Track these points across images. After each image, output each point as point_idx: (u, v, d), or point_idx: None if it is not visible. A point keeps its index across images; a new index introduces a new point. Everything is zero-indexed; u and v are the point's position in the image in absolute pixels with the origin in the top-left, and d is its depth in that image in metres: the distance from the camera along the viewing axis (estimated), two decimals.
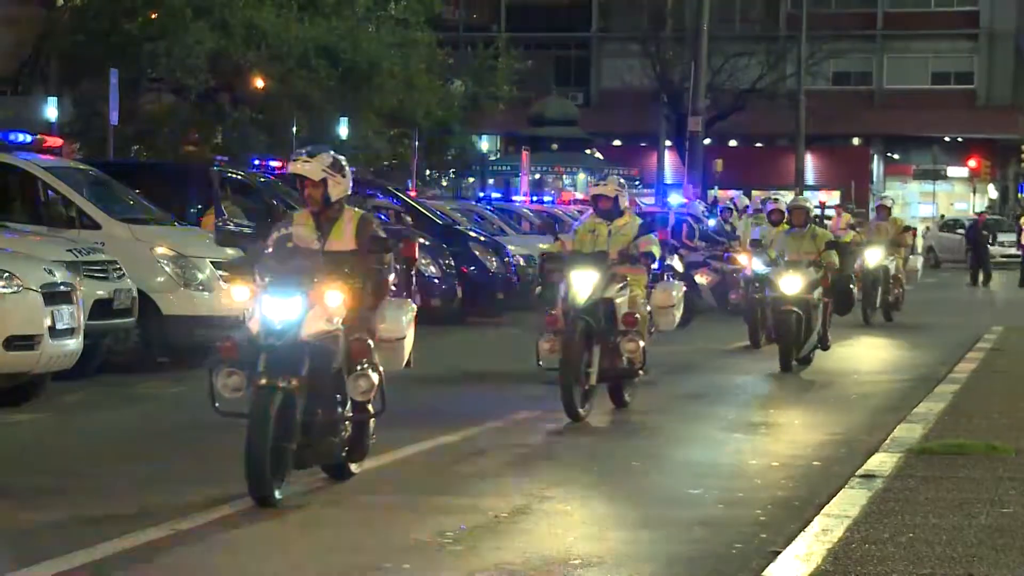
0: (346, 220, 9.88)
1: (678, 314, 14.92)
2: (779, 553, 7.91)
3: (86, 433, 12.64)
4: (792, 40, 56.73)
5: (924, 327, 24.90)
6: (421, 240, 23.40)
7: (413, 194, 30.88)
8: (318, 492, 9.79)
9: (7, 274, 13.12)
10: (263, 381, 9.12)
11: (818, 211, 30.03)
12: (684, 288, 15.81)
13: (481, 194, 39.39)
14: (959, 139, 68.30)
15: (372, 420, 9.90)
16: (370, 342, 9.65)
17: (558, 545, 8.45)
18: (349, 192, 9.90)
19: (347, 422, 9.69)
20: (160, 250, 16.69)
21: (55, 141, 19.44)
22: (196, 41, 35.54)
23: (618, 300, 13.55)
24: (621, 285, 13.62)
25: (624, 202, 13.99)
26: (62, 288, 13.58)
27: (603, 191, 13.94)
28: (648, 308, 14.06)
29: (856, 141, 69.10)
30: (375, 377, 9.52)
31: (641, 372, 13.82)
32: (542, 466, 11.21)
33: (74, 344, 13.70)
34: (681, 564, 8.10)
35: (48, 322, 13.27)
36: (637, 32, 58.03)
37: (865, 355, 20.76)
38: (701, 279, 24.77)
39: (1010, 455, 11.02)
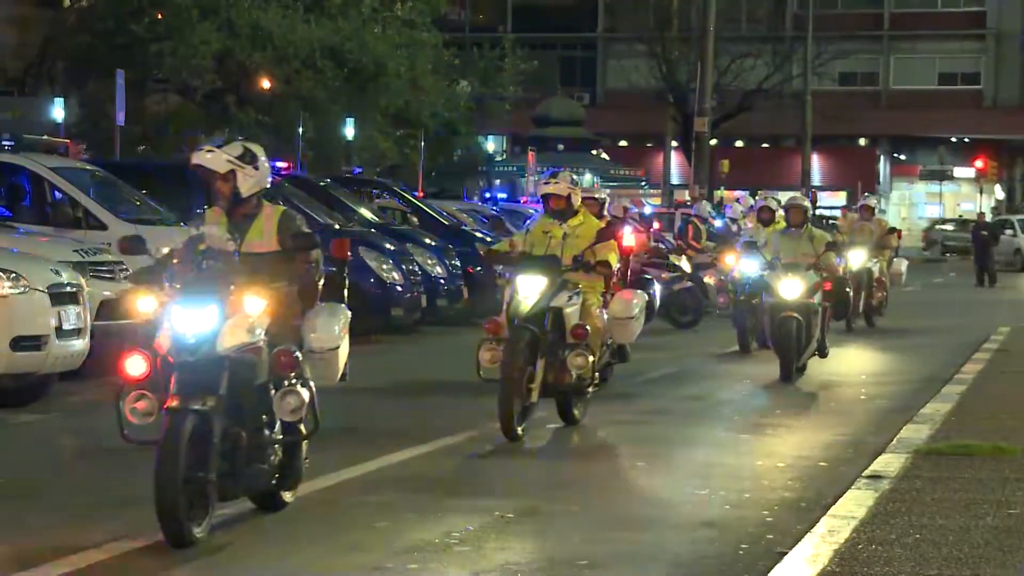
0: (265, 217, 8.90)
1: (637, 326, 13.38)
2: (785, 554, 7.91)
3: (93, 434, 12.64)
4: (798, 40, 56.73)
5: (930, 328, 24.88)
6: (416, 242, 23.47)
7: (420, 195, 30.91)
8: (321, 492, 9.79)
9: (14, 275, 13.13)
10: (175, 403, 8.11)
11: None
12: (647, 297, 14.18)
13: (487, 195, 39.39)
14: (966, 139, 68.29)
15: (304, 442, 8.91)
16: (298, 354, 8.69)
17: (564, 546, 8.44)
18: (266, 186, 8.92)
19: (275, 445, 8.71)
20: (166, 250, 16.66)
21: (61, 141, 19.44)
22: (202, 42, 35.56)
23: (568, 310, 12.30)
24: (571, 294, 12.38)
25: (576, 200, 12.72)
26: (69, 289, 13.59)
27: (554, 189, 12.59)
28: (605, 318, 12.81)
29: (862, 142, 69.10)
30: (305, 393, 8.57)
31: (591, 388, 12.61)
32: (548, 467, 11.21)
33: (81, 345, 13.71)
34: (687, 565, 8.10)
35: (55, 323, 13.28)
36: (643, 32, 58.01)
37: (871, 356, 20.73)
38: (710, 280, 24.68)
39: (1017, 456, 11.00)
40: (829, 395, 16.17)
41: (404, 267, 21.00)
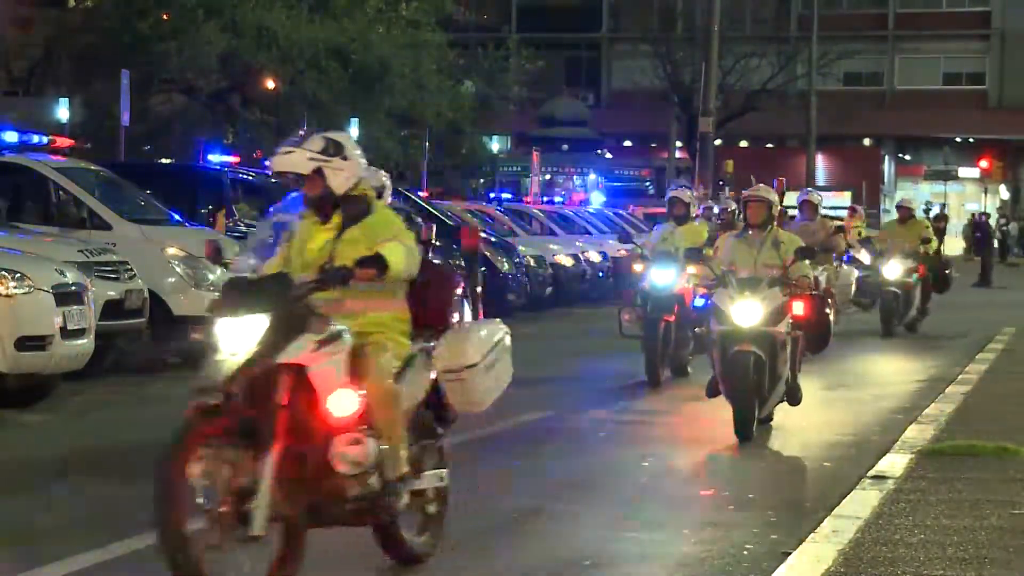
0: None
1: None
2: (790, 554, 7.91)
3: (97, 434, 12.65)
4: (803, 41, 56.68)
5: (934, 328, 24.85)
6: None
7: (424, 195, 30.92)
8: None
9: (18, 275, 13.15)
10: None
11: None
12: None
13: (492, 195, 39.40)
14: (970, 140, 68.24)
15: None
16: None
17: (569, 546, 8.44)
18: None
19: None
20: (171, 251, 16.72)
21: (66, 142, 19.47)
22: (207, 42, 35.59)
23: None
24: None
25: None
26: (73, 289, 13.60)
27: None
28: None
29: (867, 142, 69.06)
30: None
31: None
32: (552, 467, 11.21)
33: (85, 344, 13.73)
34: (692, 565, 8.10)
35: (59, 323, 13.30)
36: (648, 33, 58.01)
37: (875, 356, 20.71)
38: None
39: (1021, 456, 11.00)
40: (833, 396, 16.15)
41: None
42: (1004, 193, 70.28)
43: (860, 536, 8.25)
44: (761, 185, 13.47)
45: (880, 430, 12.96)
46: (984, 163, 67.48)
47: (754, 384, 12.14)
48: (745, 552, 8.33)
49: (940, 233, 29.24)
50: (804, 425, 13.83)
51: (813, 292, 13.20)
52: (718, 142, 44.58)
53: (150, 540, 8.19)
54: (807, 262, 12.86)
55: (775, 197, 13.07)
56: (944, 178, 67.58)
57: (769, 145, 65.52)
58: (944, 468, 10.53)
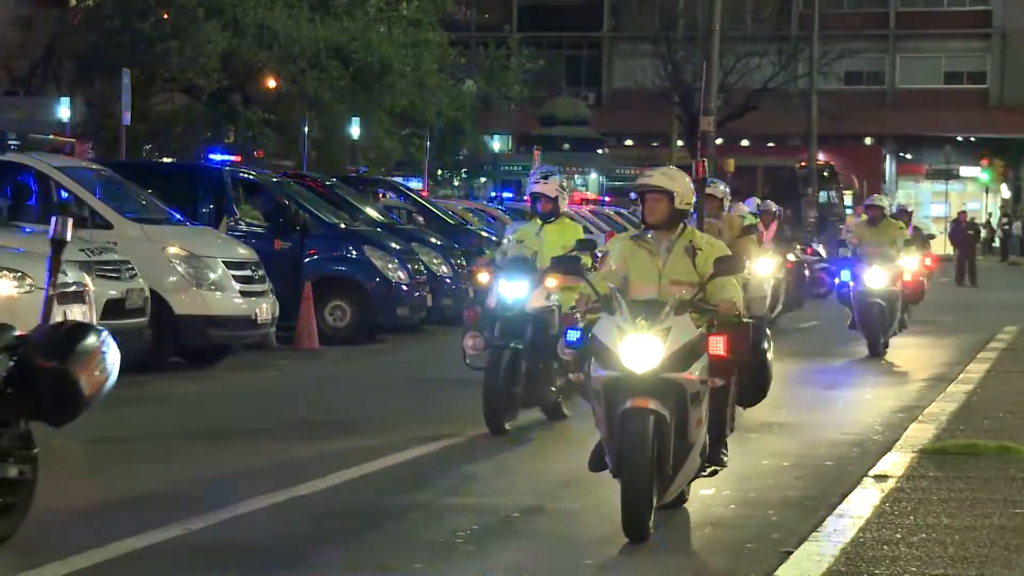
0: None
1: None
2: (791, 553, 7.91)
3: (97, 433, 12.64)
4: (804, 40, 56.62)
5: (937, 327, 24.85)
6: (433, 240, 23.49)
7: (425, 194, 30.91)
8: (326, 492, 9.80)
9: (19, 274, 13.15)
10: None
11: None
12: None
13: (493, 194, 39.40)
14: (972, 139, 68.21)
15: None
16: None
17: (568, 545, 8.44)
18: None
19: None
20: (172, 250, 16.72)
21: (67, 141, 19.46)
22: (208, 41, 35.56)
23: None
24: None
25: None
26: (75, 288, 13.60)
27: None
28: None
29: (868, 141, 69.03)
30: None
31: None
32: (553, 466, 11.21)
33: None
34: (693, 564, 8.09)
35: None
36: (649, 32, 57.94)
37: (877, 356, 20.70)
38: None
39: (1022, 455, 10.99)
40: (835, 394, 16.15)
41: (409, 266, 21.01)
42: (1005, 192, 70.23)
43: (862, 535, 8.24)
44: (663, 168, 9.21)
45: (882, 429, 12.97)
46: (985, 169, 67.47)
47: (652, 458, 8.36)
48: (746, 551, 8.33)
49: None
50: (805, 424, 13.83)
51: (745, 320, 9.02)
52: (719, 141, 44.50)
53: (149, 540, 8.22)
54: (733, 282, 9.00)
55: (682, 185, 9.00)
56: (945, 177, 67.52)
57: (770, 144, 65.48)
58: (946, 467, 10.53)
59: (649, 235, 9.03)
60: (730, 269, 8.84)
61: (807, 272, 30.17)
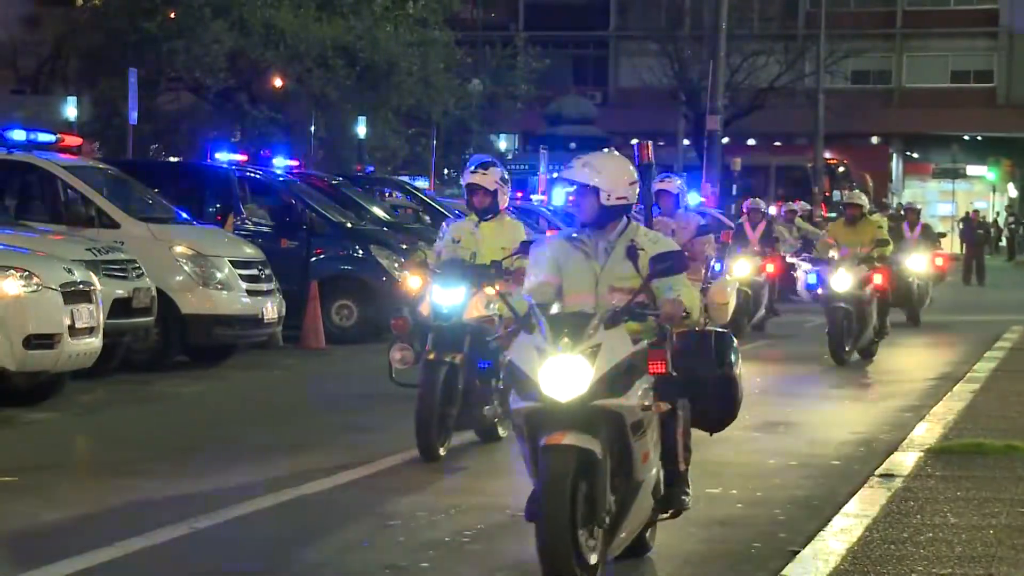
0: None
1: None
2: (798, 552, 7.90)
3: (104, 432, 12.67)
4: (811, 39, 56.58)
5: (943, 326, 24.84)
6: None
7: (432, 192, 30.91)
8: (331, 491, 9.80)
9: (27, 273, 13.16)
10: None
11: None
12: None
13: None
14: (979, 137, 68.14)
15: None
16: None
17: None
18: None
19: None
20: (179, 249, 16.73)
21: (74, 140, 19.49)
22: (214, 40, 35.61)
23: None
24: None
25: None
26: (81, 287, 13.61)
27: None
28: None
29: (875, 140, 68.96)
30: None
31: None
32: None
33: (93, 343, 13.73)
34: (699, 563, 8.09)
35: (67, 321, 13.30)
36: (655, 31, 57.95)
37: (883, 354, 20.69)
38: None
39: None
40: (841, 394, 16.14)
41: None
42: (1012, 191, 70.15)
43: (868, 534, 8.24)
44: (587, 157, 7.64)
45: (889, 428, 12.95)
46: (992, 171, 67.39)
47: (574, 503, 6.88)
48: (753, 550, 8.32)
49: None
50: (812, 423, 13.82)
51: (709, 328, 8.28)
52: (725, 140, 44.49)
53: (158, 538, 8.23)
54: (681, 276, 7.45)
55: (610, 178, 7.48)
56: (952, 176, 67.47)
57: (777, 143, 65.47)
58: (953, 466, 10.52)
59: (587, 234, 7.59)
60: (670, 268, 7.30)
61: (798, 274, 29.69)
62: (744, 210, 24.70)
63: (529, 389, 7.00)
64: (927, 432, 12.15)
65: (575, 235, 7.63)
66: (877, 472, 10.28)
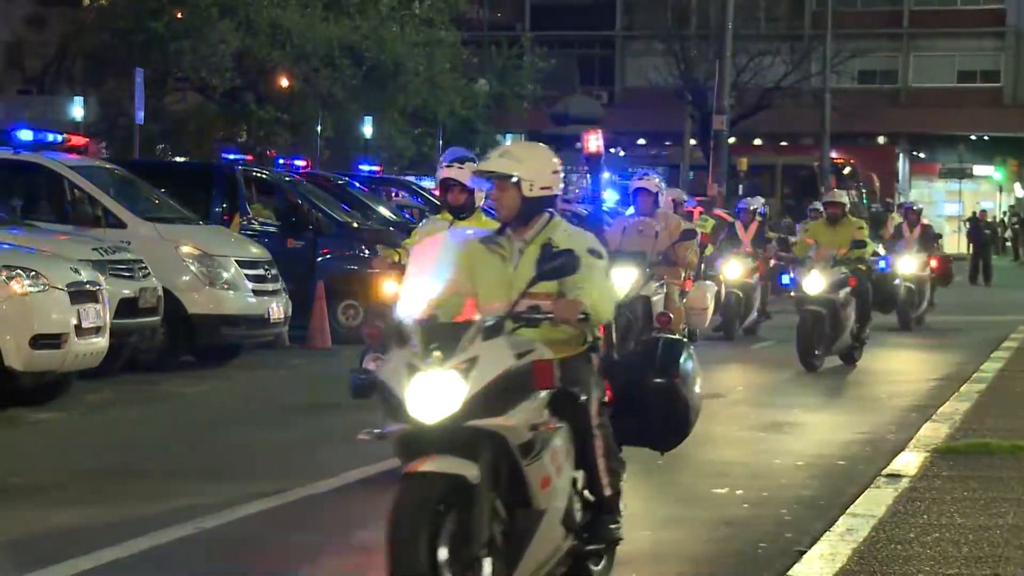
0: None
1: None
2: (804, 552, 7.90)
3: (111, 432, 12.67)
4: (817, 38, 56.57)
5: (949, 327, 24.81)
6: None
7: (437, 192, 30.85)
8: (334, 492, 9.80)
9: (33, 273, 13.17)
10: None
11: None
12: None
13: None
14: (985, 137, 68.08)
15: None
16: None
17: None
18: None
19: None
20: (185, 249, 16.74)
21: (81, 140, 19.51)
22: (221, 40, 35.64)
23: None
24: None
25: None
26: (88, 287, 13.62)
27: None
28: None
29: (881, 140, 68.91)
30: None
31: None
32: None
33: (100, 343, 13.75)
34: (706, 563, 8.09)
35: (74, 321, 13.31)
36: (661, 31, 57.94)
37: (890, 355, 20.67)
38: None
39: None
40: (848, 393, 16.13)
41: None
42: (1019, 191, 70.08)
43: (875, 535, 8.23)
44: (505, 147, 7.07)
45: (895, 428, 12.94)
46: (999, 172, 67.34)
47: (434, 540, 5.92)
48: (759, 551, 8.32)
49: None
50: (818, 423, 13.81)
51: (664, 335, 7.99)
52: (732, 140, 44.47)
53: (164, 538, 8.23)
54: (588, 276, 6.62)
55: (533, 166, 6.83)
56: (959, 176, 67.42)
57: (783, 143, 65.45)
58: (959, 466, 10.50)
59: (506, 234, 6.85)
60: (559, 268, 6.47)
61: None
62: (736, 210, 24.39)
63: (399, 410, 6.13)
64: (933, 432, 12.14)
65: (491, 236, 6.87)
66: (883, 472, 10.27)
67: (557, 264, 6.45)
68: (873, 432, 12.87)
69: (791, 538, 8.55)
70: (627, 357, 7.29)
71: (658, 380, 7.23)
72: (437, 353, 6.09)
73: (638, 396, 7.15)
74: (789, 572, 7.50)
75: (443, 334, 6.19)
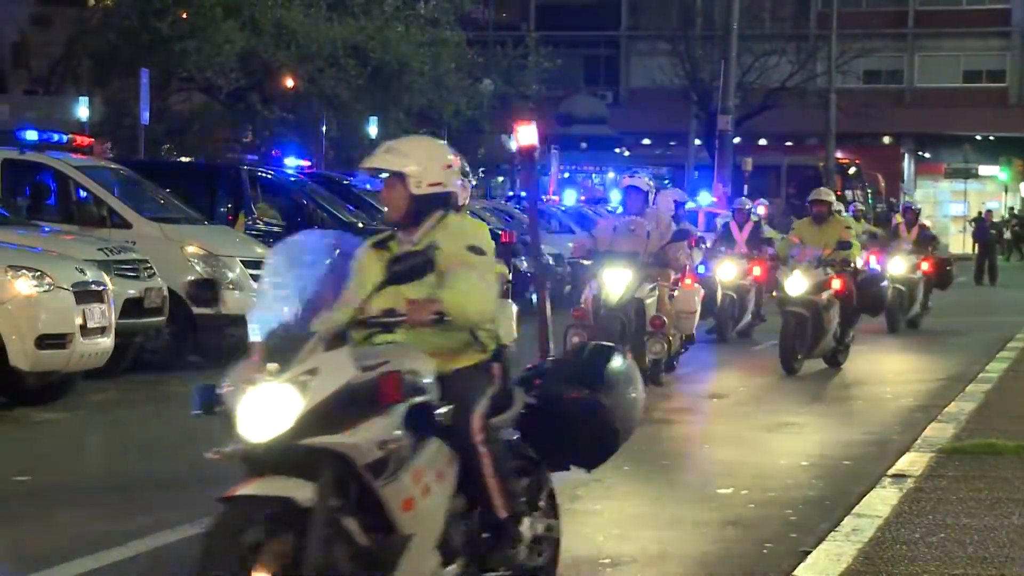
0: None
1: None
2: (810, 553, 7.89)
3: (116, 432, 12.68)
4: (823, 38, 56.57)
5: (954, 327, 24.79)
6: None
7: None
8: None
9: (39, 273, 13.18)
10: None
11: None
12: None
13: (511, 193, 39.40)
14: (991, 137, 68.05)
15: None
16: None
17: (588, 545, 8.43)
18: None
19: None
20: (191, 249, 16.75)
21: (86, 140, 19.54)
22: (226, 40, 35.68)
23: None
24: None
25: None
26: (93, 287, 13.64)
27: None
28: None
29: (887, 140, 68.89)
30: None
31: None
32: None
33: (105, 343, 13.76)
34: (711, 564, 8.08)
35: (79, 321, 13.33)
36: (667, 31, 57.95)
37: (895, 355, 20.67)
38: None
39: None
40: (853, 394, 16.12)
41: None
42: None
43: (880, 535, 8.22)
44: (392, 142, 6.44)
45: (900, 428, 12.93)
46: (1004, 172, 67.29)
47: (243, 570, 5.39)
48: (765, 551, 8.31)
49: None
50: (823, 423, 13.80)
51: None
52: (737, 140, 44.49)
53: (170, 538, 8.23)
54: (474, 273, 6.14)
55: (421, 160, 6.30)
56: (964, 176, 67.38)
57: (788, 143, 65.46)
58: (965, 467, 10.49)
59: (399, 238, 6.35)
60: (409, 271, 5.89)
61: None
62: (731, 211, 24.20)
63: (233, 428, 5.63)
64: (939, 432, 12.12)
65: (381, 240, 6.37)
66: (889, 472, 10.26)
67: (405, 267, 5.86)
68: (878, 432, 12.86)
69: (796, 538, 8.55)
70: (552, 366, 6.81)
71: (576, 393, 6.59)
72: (274, 365, 5.58)
73: (558, 410, 6.56)
74: (795, 572, 7.50)
75: (283, 344, 5.65)
